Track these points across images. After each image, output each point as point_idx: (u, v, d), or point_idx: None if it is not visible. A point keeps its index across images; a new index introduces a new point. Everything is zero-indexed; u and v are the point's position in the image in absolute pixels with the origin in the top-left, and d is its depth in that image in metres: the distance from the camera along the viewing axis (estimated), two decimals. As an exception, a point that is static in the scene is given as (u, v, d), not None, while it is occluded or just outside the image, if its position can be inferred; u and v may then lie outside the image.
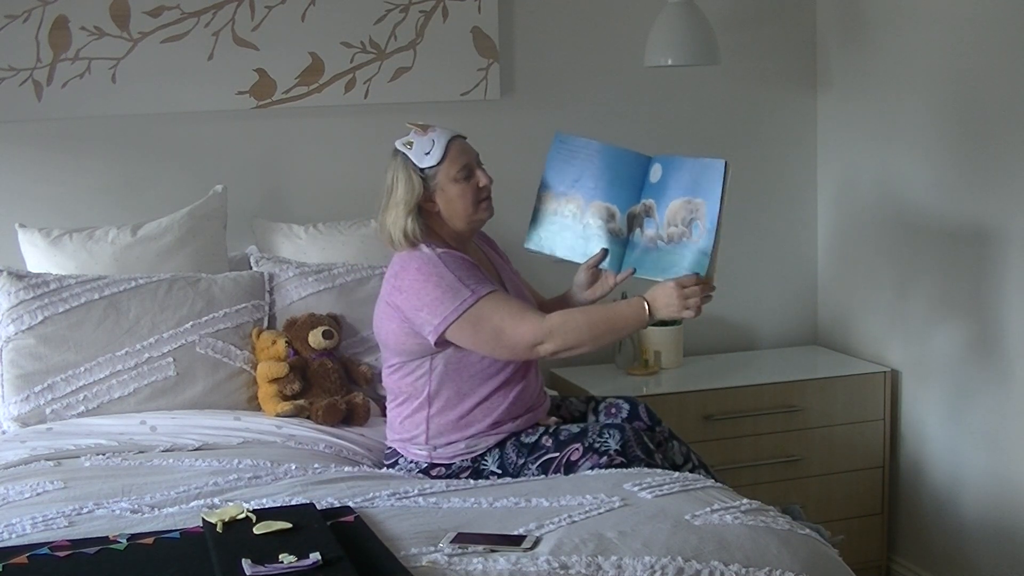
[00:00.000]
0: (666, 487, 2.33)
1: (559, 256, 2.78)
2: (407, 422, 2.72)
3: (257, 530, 2.08)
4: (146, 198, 3.41)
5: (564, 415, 2.89)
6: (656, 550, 2.05)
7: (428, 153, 2.66)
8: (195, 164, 3.45)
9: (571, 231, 2.75)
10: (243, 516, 2.13)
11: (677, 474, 2.46)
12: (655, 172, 2.69)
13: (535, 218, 2.80)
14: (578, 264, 2.78)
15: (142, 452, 2.74)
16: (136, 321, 2.98)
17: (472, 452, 2.69)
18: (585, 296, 2.81)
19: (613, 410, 2.83)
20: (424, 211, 2.68)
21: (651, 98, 3.81)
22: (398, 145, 2.70)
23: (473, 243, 2.82)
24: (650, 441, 2.66)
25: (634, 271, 2.69)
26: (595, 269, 2.76)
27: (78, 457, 2.69)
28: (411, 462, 2.71)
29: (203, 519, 2.14)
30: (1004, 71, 3.16)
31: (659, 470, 2.49)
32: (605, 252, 2.72)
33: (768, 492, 3.32)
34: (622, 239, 2.71)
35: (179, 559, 2.00)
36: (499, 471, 2.66)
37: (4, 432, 2.89)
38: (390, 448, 2.78)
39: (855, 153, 3.79)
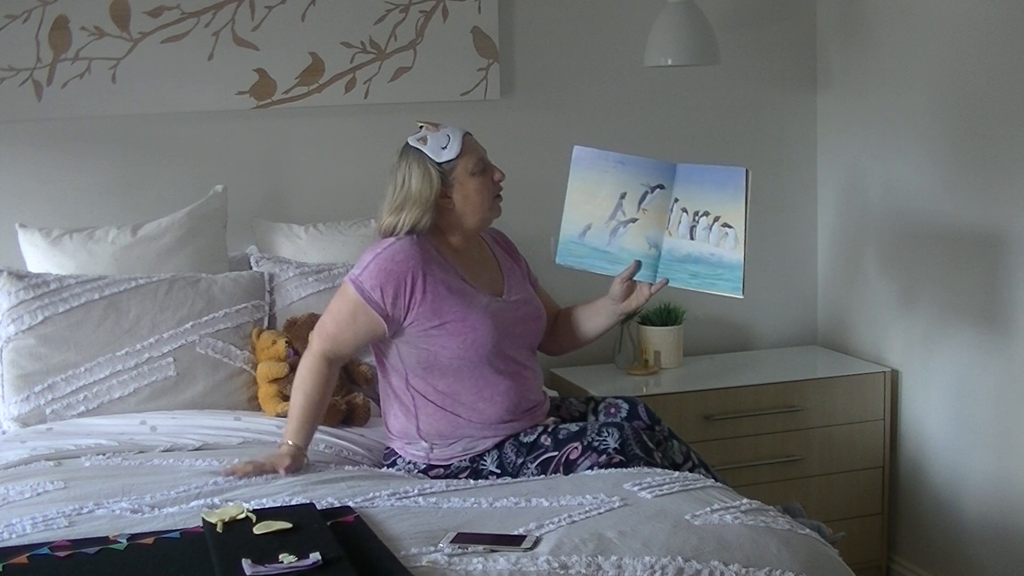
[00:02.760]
0: (666, 487, 2.33)
1: (591, 270, 2.78)
2: (401, 427, 2.72)
3: (257, 530, 2.08)
4: (146, 198, 3.42)
5: (564, 415, 2.88)
6: (656, 550, 2.05)
7: (445, 147, 2.66)
8: (195, 164, 3.46)
9: (601, 243, 2.76)
10: (243, 516, 2.13)
11: (677, 474, 2.45)
12: (680, 179, 2.70)
13: (563, 232, 2.79)
14: (611, 276, 2.77)
15: (142, 452, 2.73)
16: (136, 321, 2.98)
17: (469, 453, 2.69)
18: (620, 309, 2.79)
19: (612, 410, 2.83)
20: (438, 207, 2.67)
21: (651, 98, 3.81)
22: (411, 141, 2.69)
23: (480, 239, 2.81)
24: (650, 440, 2.65)
25: (667, 282, 2.70)
26: (630, 281, 2.74)
27: (78, 457, 2.69)
28: (409, 462, 2.71)
29: (203, 519, 2.14)
30: (1004, 71, 3.16)
31: (659, 469, 2.49)
32: (638, 264, 2.71)
33: (768, 492, 3.32)
34: (654, 250, 2.72)
35: (179, 559, 2.00)
36: (498, 471, 2.66)
37: (4, 432, 2.89)
38: (388, 448, 2.78)
39: (855, 153, 3.79)
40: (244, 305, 3.08)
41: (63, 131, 3.36)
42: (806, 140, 3.97)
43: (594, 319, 2.87)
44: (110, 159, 3.41)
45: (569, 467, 2.57)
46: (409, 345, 2.65)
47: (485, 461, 2.68)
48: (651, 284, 2.73)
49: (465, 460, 2.68)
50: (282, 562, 1.92)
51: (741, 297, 2.66)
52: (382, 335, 2.65)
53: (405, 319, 2.62)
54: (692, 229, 2.67)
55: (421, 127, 2.71)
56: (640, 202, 2.73)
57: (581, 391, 3.47)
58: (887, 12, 3.58)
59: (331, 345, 2.66)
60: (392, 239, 2.66)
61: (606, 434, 2.59)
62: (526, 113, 3.70)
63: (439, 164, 2.66)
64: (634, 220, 2.74)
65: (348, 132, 3.54)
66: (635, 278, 2.74)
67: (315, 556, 1.93)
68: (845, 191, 3.85)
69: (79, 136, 3.38)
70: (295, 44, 3.46)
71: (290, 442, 2.59)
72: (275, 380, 2.97)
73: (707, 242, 2.66)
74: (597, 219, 2.76)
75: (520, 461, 2.64)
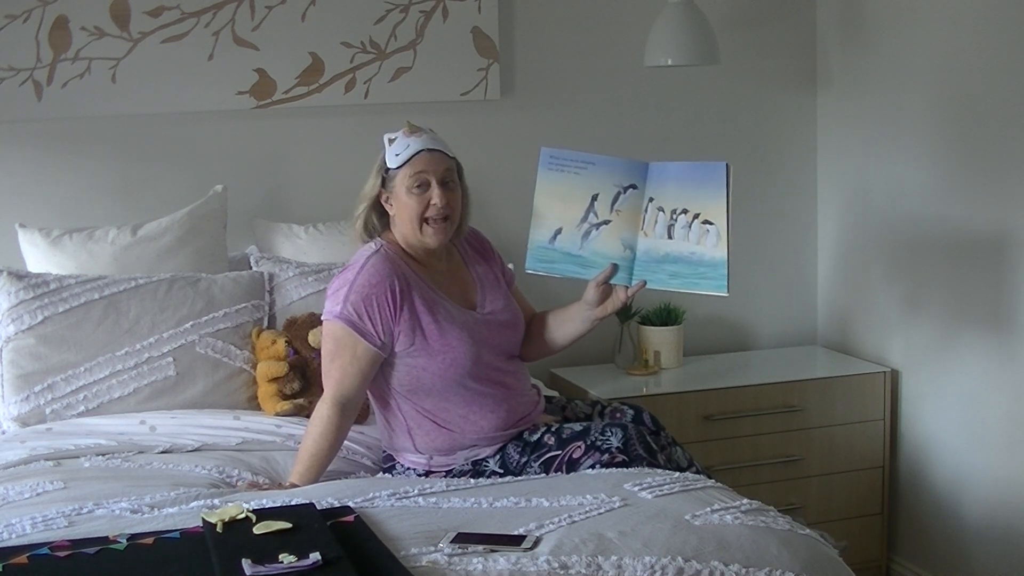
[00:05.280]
0: (666, 487, 2.33)
1: (563, 276, 2.69)
2: (399, 443, 2.71)
3: (257, 530, 2.08)
4: (146, 198, 3.41)
5: (569, 415, 2.87)
6: (656, 550, 2.04)
7: (398, 155, 2.64)
8: (195, 164, 3.46)
9: (573, 247, 2.67)
10: (243, 516, 2.13)
11: (678, 474, 2.45)
12: (654, 178, 2.66)
13: (532, 238, 2.70)
14: (585, 280, 2.69)
15: (142, 452, 2.74)
16: (136, 321, 2.97)
17: (471, 459, 2.67)
18: (595, 314, 2.72)
19: (618, 415, 2.81)
20: (383, 210, 2.68)
21: (651, 98, 3.81)
22: (384, 138, 2.69)
23: (450, 248, 2.76)
24: (654, 443, 2.64)
25: (645, 283, 2.64)
26: (605, 285, 2.67)
27: (78, 457, 2.69)
28: (408, 468, 2.70)
29: (203, 519, 2.14)
30: (1004, 71, 3.16)
31: (659, 470, 2.49)
32: (615, 267, 2.64)
33: (768, 492, 3.33)
34: (629, 252, 2.66)
35: (179, 559, 1.99)
36: (501, 471, 2.65)
37: (4, 432, 2.89)
38: (386, 453, 2.78)
39: (855, 153, 3.79)
40: (244, 305, 3.08)
41: (63, 131, 3.36)
42: (806, 140, 3.97)
43: (567, 325, 2.81)
44: (110, 159, 3.41)
45: (572, 466, 2.57)
46: (392, 368, 2.63)
47: (488, 463, 2.67)
48: (627, 287, 2.66)
49: (467, 464, 2.68)
50: (282, 562, 1.92)
51: (726, 295, 2.59)
52: (380, 362, 2.63)
53: (394, 341, 2.60)
54: (670, 228, 2.60)
55: (405, 126, 2.69)
56: (613, 203, 2.65)
57: (581, 391, 3.47)
58: (887, 12, 3.58)
59: (340, 390, 2.60)
60: (359, 260, 2.62)
61: (609, 433, 2.58)
62: (526, 113, 3.70)
63: (386, 168, 2.65)
64: (607, 222, 2.65)
65: (348, 132, 3.54)
66: (611, 281, 2.66)
67: (315, 556, 1.93)
68: (845, 191, 3.85)
69: (79, 136, 3.38)
70: (295, 44, 3.46)
71: (296, 483, 2.55)
72: (275, 379, 2.97)
73: (687, 241, 2.58)
74: (568, 222, 2.66)
75: (524, 460, 2.64)
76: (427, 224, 2.64)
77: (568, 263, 2.68)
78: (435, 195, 2.62)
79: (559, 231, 2.67)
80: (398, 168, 2.63)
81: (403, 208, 2.64)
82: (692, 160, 2.69)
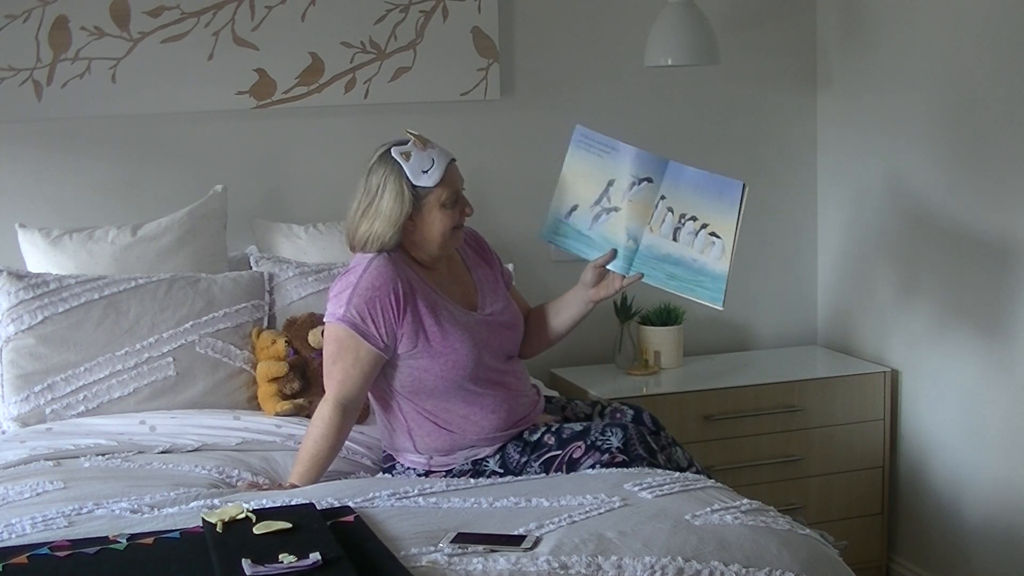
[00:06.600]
0: (666, 487, 2.33)
1: (569, 251, 2.75)
2: (399, 444, 2.71)
3: (257, 530, 2.08)
4: (146, 198, 3.41)
5: (569, 415, 2.87)
6: (656, 550, 2.05)
7: (426, 172, 2.59)
8: (195, 164, 3.46)
9: (583, 226, 2.74)
10: (243, 516, 2.13)
11: (678, 474, 2.45)
12: (670, 177, 2.68)
13: (551, 209, 2.77)
14: (586, 261, 2.75)
15: (141, 452, 2.74)
16: (136, 321, 2.97)
17: (471, 459, 2.68)
18: (589, 295, 2.77)
19: (618, 415, 2.82)
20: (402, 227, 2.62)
21: (651, 98, 3.81)
22: (394, 154, 2.61)
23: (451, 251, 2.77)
24: (654, 443, 2.64)
25: (642, 276, 2.68)
26: (602, 269, 2.73)
27: (78, 457, 2.69)
28: (408, 468, 2.70)
29: (203, 519, 2.14)
30: (1004, 71, 3.16)
31: (660, 470, 2.49)
32: (615, 252, 2.70)
33: (768, 492, 3.32)
34: (632, 243, 2.70)
35: (179, 559, 1.99)
36: (501, 471, 2.65)
37: (4, 432, 2.89)
38: (386, 453, 2.78)
39: (855, 153, 3.79)
40: (244, 305, 3.08)
41: (63, 131, 3.36)
42: (806, 140, 3.97)
43: (564, 312, 2.83)
44: (110, 159, 3.41)
45: (572, 466, 2.57)
46: (394, 369, 2.63)
47: (488, 463, 2.67)
48: (624, 276, 2.70)
49: (467, 464, 2.68)
50: (282, 562, 1.92)
51: (721, 309, 2.64)
52: (382, 363, 2.63)
53: (397, 343, 2.60)
54: (676, 231, 2.65)
55: (409, 140, 2.63)
56: (627, 192, 2.70)
57: (581, 391, 3.47)
58: (887, 12, 3.58)
59: (342, 391, 2.59)
60: (362, 262, 2.62)
61: (609, 433, 2.58)
62: (526, 113, 3.70)
63: (414, 187, 2.60)
64: (617, 209, 2.71)
65: (348, 132, 3.54)
66: (609, 268, 2.71)
67: (315, 556, 1.93)
68: (845, 191, 3.85)
69: (79, 136, 3.38)
70: (295, 44, 3.46)
71: (296, 484, 2.55)
72: (274, 379, 2.97)
73: (691, 247, 2.63)
74: (584, 201, 2.74)
75: (524, 460, 2.64)
76: (455, 232, 2.66)
77: (576, 240, 2.76)
78: (468, 207, 2.67)
79: (575, 207, 2.75)
80: (434, 186, 2.61)
81: (436, 223, 2.62)
82: (712, 165, 2.76)
